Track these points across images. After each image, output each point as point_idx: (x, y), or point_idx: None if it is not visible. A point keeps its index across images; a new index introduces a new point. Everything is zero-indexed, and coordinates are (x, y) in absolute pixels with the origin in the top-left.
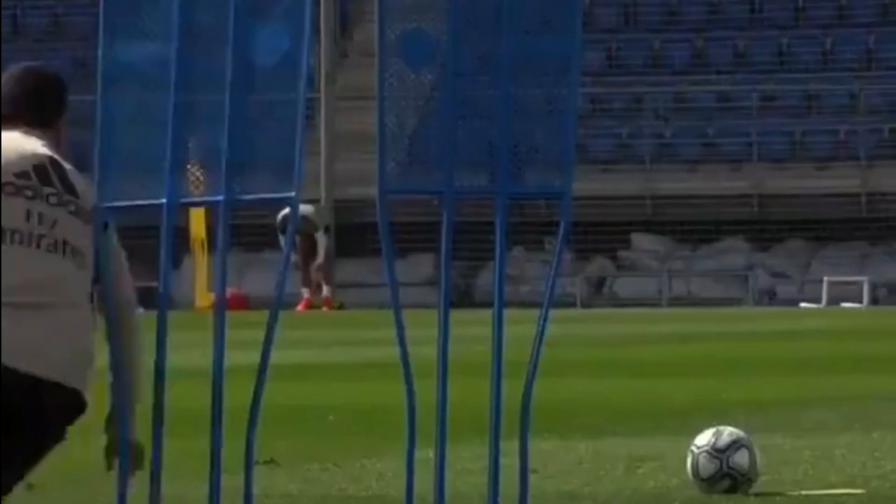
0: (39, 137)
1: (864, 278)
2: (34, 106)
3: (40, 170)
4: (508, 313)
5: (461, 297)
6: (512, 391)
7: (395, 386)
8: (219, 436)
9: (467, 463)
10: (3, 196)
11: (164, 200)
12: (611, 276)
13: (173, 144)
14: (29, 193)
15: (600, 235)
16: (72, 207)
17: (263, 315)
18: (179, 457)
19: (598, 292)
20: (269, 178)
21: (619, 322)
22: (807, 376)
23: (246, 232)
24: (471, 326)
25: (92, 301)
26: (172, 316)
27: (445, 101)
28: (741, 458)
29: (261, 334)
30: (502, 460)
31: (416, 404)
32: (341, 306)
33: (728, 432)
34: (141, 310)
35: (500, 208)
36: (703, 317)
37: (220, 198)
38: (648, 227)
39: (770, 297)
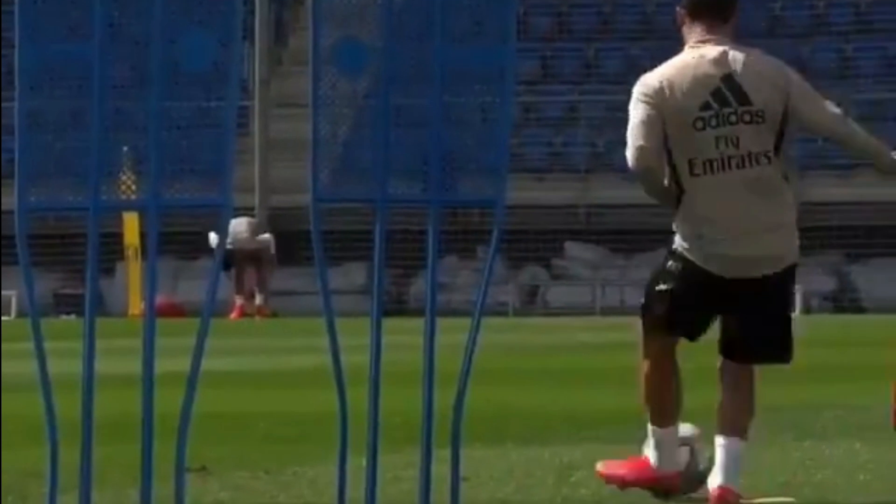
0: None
1: (796, 287)
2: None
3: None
4: (441, 322)
5: (394, 306)
6: (444, 399)
7: (328, 394)
8: (149, 443)
9: (399, 470)
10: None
11: (88, 206)
12: (544, 285)
13: (99, 149)
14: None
15: (534, 244)
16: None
17: (196, 323)
18: (110, 464)
19: (531, 301)
20: (201, 184)
21: (552, 331)
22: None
23: (180, 240)
24: (404, 335)
25: None
26: (106, 323)
27: (378, 109)
28: (680, 458)
29: (193, 342)
30: (434, 468)
31: (348, 412)
32: (275, 314)
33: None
34: (72, 317)
35: (433, 217)
36: (636, 326)
37: (146, 202)
38: (582, 235)
39: None
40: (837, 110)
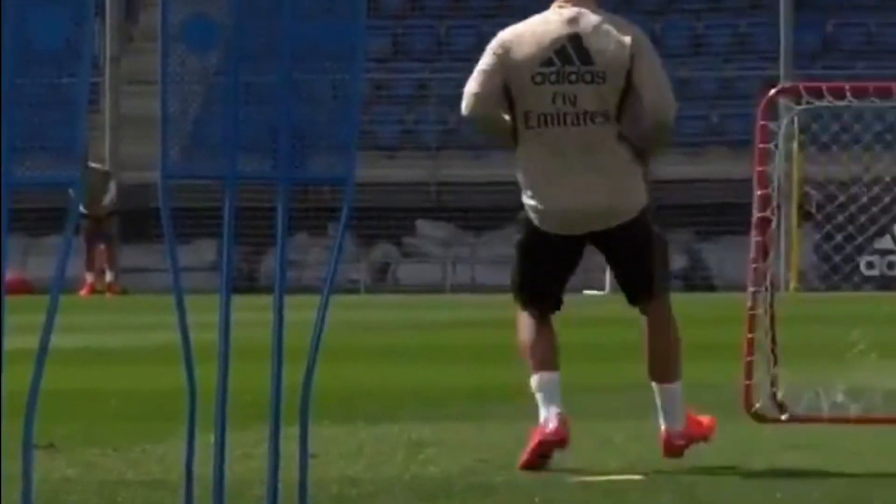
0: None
1: None
2: None
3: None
4: (291, 299)
5: (244, 283)
6: (293, 376)
7: (177, 370)
8: None
9: (248, 448)
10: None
11: None
12: (395, 263)
13: None
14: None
15: (385, 221)
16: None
17: (46, 300)
18: None
19: (381, 279)
20: (52, 161)
21: (403, 308)
22: (588, 363)
23: (30, 216)
24: (254, 311)
25: None
26: None
27: (228, 86)
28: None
29: (43, 318)
30: (283, 445)
31: (197, 389)
32: (125, 291)
33: None
34: None
35: (282, 194)
36: (486, 303)
37: None
38: (433, 213)
39: None
40: (667, 108)
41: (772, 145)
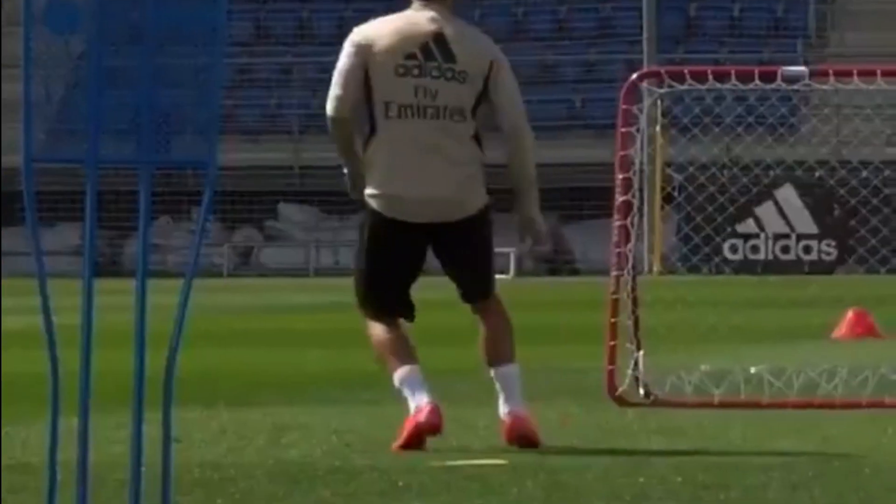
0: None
1: (510, 249)
2: None
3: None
4: (154, 283)
5: (108, 267)
6: (156, 361)
7: (40, 354)
8: None
9: (111, 431)
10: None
11: None
12: (258, 246)
13: None
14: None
15: (247, 205)
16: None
17: None
18: None
19: (245, 262)
20: None
21: (266, 291)
22: (450, 347)
23: None
24: (117, 296)
25: None
26: None
27: (91, 69)
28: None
29: None
30: (146, 430)
31: (59, 373)
32: None
33: None
34: None
35: (144, 178)
36: (350, 287)
37: None
38: (296, 197)
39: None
40: (520, 121)
41: (634, 129)
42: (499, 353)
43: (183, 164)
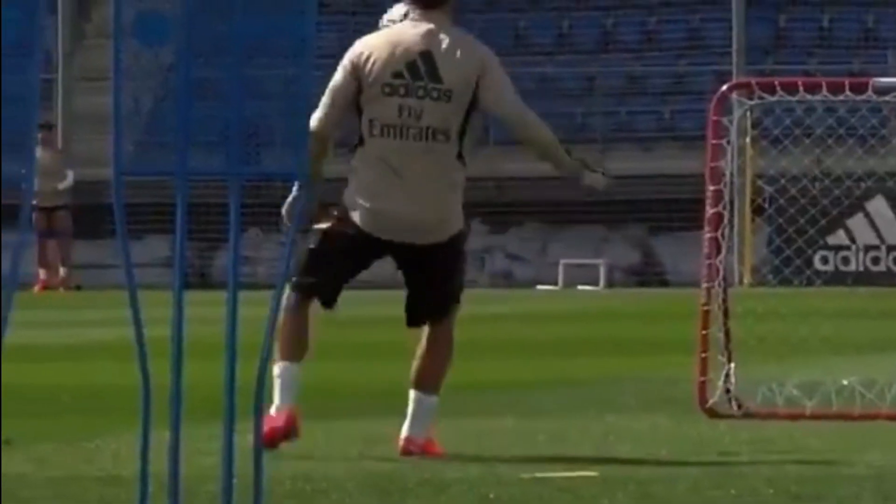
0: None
1: (600, 261)
2: None
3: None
4: (245, 294)
5: (198, 279)
6: (247, 372)
7: (131, 366)
8: None
9: (202, 443)
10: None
11: None
12: None
13: None
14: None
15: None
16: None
17: None
18: None
19: None
20: (5, 157)
21: (355, 303)
22: (541, 359)
23: None
24: (207, 307)
25: None
26: None
27: (180, 82)
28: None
29: None
30: (237, 441)
31: (151, 385)
32: (78, 287)
33: None
34: None
35: (234, 190)
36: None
37: None
38: None
39: (506, 279)
40: (520, 109)
41: (724, 141)
42: (428, 383)
43: (272, 176)
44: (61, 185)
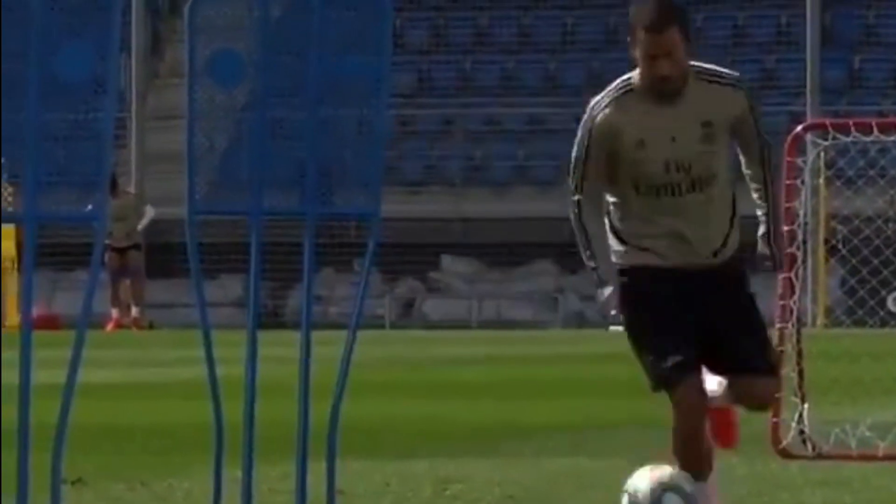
0: None
1: None
2: None
3: None
4: (317, 334)
5: (270, 318)
6: (320, 412)
7: (204, 405)
8: (26, 454)
9: (275, 483)
10: None
11: None
12: (420, 297)
13: None
14: None
15: (410, 257)
16: None
17: (73, 335)
18: None
19: (407, 314)
20: (78, 196)
21: (429, 344)
22: (616, 398)
23: (57, 251)
24: (279, 347)
25: None
26: None
27: (255, 121)
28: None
29: (69, 353)
30: (310, 480)
31: (224, 424)
32: (151, 326)
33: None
34: None
35: (309, 229)
36: (512, 339)
37: (22, 214)
38: (458, 249)
39: (579, 319)
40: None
41: (798, 181)
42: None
43: (347, 216)
44: (140, 224)
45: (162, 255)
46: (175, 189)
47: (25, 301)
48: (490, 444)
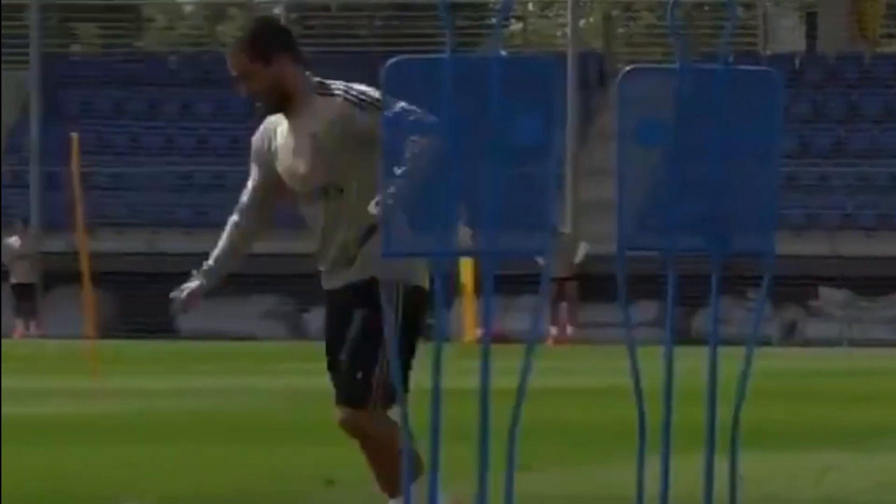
0: None
1: None
2: None
3: None
4: (719, 350)
5: (681, 336)
6: (723, 414)
7: (628, 406)
8: (486, 445)
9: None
10: None
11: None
12: (802, 321)
13: (446, 205)
14: None
15: (794, 288)
16: None
17: (515, 349)
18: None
19: (790, 334)
20: (525, 236)
21: (807, 359)
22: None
23: (508, 280)
24: (690, 359)
25: None
26: (447, 347)
27: (670, 176)
28: None
29: (517, 364)
30: (716, 468)
31: (646, 421)
32: (584, 342)
33: None
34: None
35: (716, 265)
36: (876, 356)
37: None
38: (833, 281)
39: None
40: None
41: None
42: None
43: (746, 254)
44: (577, 258)
45: (596, 284)
46: (603, 230)
47: (485, 321)
48: (860, 441)
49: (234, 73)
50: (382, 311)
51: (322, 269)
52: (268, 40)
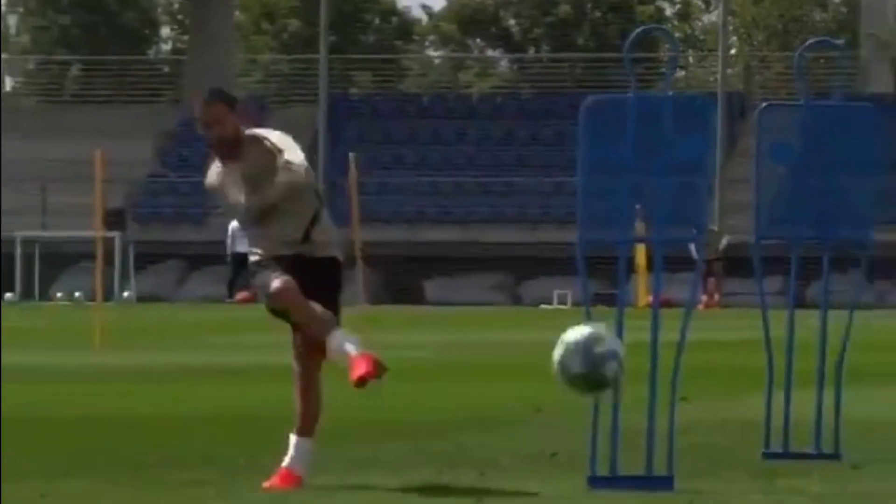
0: None
1: None
2: None
3: None
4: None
5: (798, 302)
6: (830, 359)
7: (757, 353)
8: (653, 391)
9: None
10: None
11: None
12: (889, 292)
13: (629, 205)
14: None
15: (885, 267)
16: None
17: (679, 311)
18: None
19: (881, 300)
20: (683, 229)
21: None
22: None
23: (671, 260)
24: (807, 320)
25: None
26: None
27: (793, 183)
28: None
29: (679, 324)
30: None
31: (773, 365)
32: (726, 307)
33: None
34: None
35: (826, 250)
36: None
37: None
38: None
39: None
40: None
41: None
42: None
43: (844, 242)
44: (720, 245)
45: (734, 263)
46: (742, 224)
47: (655, 291)
48: None
49: (207, 119)
50: None
51: None
52: (230, 94)
